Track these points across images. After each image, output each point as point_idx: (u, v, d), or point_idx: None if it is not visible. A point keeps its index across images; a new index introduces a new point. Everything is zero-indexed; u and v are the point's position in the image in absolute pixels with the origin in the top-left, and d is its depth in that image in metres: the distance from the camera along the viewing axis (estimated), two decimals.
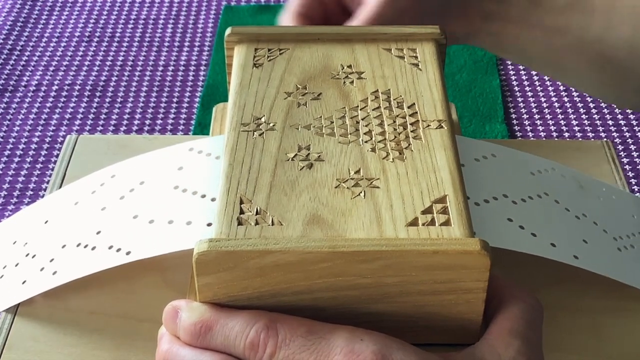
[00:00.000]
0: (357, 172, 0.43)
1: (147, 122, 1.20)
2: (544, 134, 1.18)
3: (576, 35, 0.59)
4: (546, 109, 1.22)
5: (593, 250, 0.46)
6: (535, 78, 1.28)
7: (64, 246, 0.46)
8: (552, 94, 1.25)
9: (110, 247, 0.45)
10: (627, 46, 0.58)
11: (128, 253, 0.44)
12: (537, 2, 0.59)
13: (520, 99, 1.25)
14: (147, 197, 0.47)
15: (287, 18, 0.57)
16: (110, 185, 0.49)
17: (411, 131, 0.45)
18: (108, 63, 1.32)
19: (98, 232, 0.46)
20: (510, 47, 0.62)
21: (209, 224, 0.43)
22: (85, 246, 0.46)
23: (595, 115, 1.21)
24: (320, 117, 0.47)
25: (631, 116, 1.21)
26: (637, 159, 1.14)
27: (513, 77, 1.29)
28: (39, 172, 1.11)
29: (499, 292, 0.42)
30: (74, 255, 0.46)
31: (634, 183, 1.10)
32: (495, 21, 0.60)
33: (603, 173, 0.57)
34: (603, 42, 0.59)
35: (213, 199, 0.44)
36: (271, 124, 0.46)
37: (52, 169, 1.09)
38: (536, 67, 0.67)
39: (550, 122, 1.20)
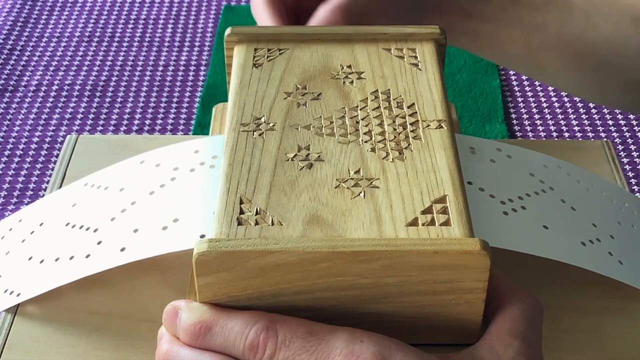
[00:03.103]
0: (357, 172, 0.43)
1: (147, 122, 1.20)
2: (544, 134, 1.18)
3: (555, 32, 0.59)
4: (546, 109, 1.22)
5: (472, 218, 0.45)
6: None
7: None
8: (552, 94, 1.25)
9: (5, 291, 0.47)
10: (607, 43, 0.57)
11: (18, 295, 0.46)
12: (515, 0, 0.59)
13: (520, 99, 1.25)
14: (43, 238, 0.49)
15: (259, 7, 0.56)
16: (17, 229, 0.51)
17: (411, 131, 0.45)
18: (108, 63, 1.32)
19: None
20: (488, 46, 0.61)
21: (88, 256, 0.45)
22: None
23: (595, 115, 1.21)
24: (320, 117, 0.47)
25: (631, 116, 1.21)
26: (637, 159, 1.14)
27: (513, 77, 1.29)
28: (39, 172, 1.11)
29: (499, 292, 0.42)
30: None
31: (634, 183, 1.10)
32: (472, 20, 0.59)
33: (603, 173, 0.57)
34: (582, 40, 0.58)
35: (95, 230, 0.46)
36: (271, 124, 0.46)
37: (52, 169, 1.09)
38: (514, 67, 0.66)
39: (550, 122, 1.20)
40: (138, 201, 0.47)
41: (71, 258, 0.46)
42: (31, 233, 0.50)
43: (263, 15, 0.55)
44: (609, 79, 0.60)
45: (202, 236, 0.43)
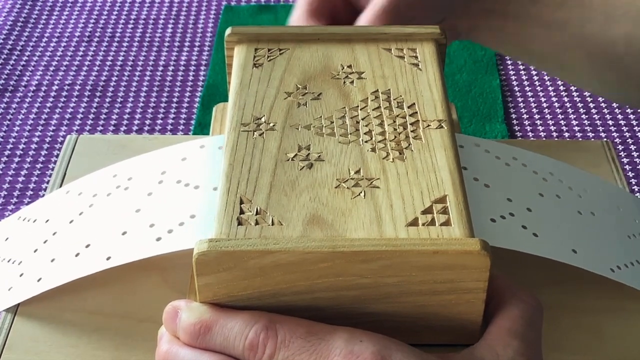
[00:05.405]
0: (357, 172, 0.43)
1: (147, 122, 1.20)
2: (544, 134, 1.18)
3: (575, 30, 0.59)
4: (546, 109, 1.22)
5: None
6: (536, 78, 1.28)
7: None
8: (552, 94, 1.25)
9: None
10: (625, 42, 0.58)
11: None
12: None
13: (520, 99, 1.25)
14: None
15: (297, 17, 0.57)
16: None
17: (411, 131, 0.45)
18: (108, 63, 1.32)
19: None
20: (511, 43, 0.62)
21: (10, 288, 0.47)
22: None
23: (595, 115, 1.21)
24: (320, 117, 0.47)
25: (631, 116, 1.21)
26: (637, 159, 1.14)
27: (513, 77, 1.29)
28: (39, 172, 1.11)
29: (499, 292, 0.42)
30: None
31: (634, 183, 1.10)
32: (495, 17, 0.60)
33: (603, 173, 0.57)
34: (602, 38, 0.59)
35: (20, 263, 0.48)
36: (271, 124, 0.46)
37: (52, 169, 1.09)
38: (537, 64, 0.67)
39: (550, 122, 1.20)
40: (59, 231, 0.48)
41: (10, 289, 0.47)
42: None
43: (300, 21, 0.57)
44: (629, 77, 0.60)
45: (109, 258, 0.44)
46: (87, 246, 0.45)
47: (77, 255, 0.45)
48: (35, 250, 0.48)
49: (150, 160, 0.50)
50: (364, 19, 0.56)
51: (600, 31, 0.59)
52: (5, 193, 1.08)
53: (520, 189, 0.48)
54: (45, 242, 0.48)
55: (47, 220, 0.50)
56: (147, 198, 0.47)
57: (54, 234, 0.48)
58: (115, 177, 0.50)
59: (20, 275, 0.47)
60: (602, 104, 1.23)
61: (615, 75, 0.61)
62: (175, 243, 0.43)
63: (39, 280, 0.46)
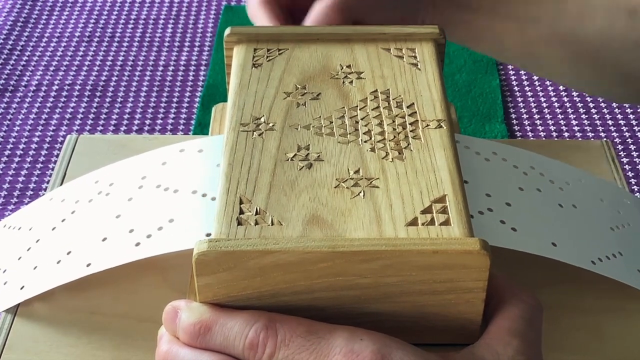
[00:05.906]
0: (357, 172, 0.43)
1: (147, 122, 1.20)
2: (544, 134, 1.18)
3: (549, 25, 0.59)
4: (546, 109, 1.22)
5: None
6: (535, 78, 1.29)
7: None
8: (551, 94, 1.25)
9: None
10: (601, 37, 0.58)
11: None
12: None
13: (520, 99, 1.25)
14: None
15: (254, 7, 0.56)
16: None
17: (410, 131, 0.45)
18: (108, 63, 1.32)
19: None
20: (484, 38, 0.61)
21: None
22: None
23: (595, 115, 1.21)
24: (320, 117, 0.47)
25: (631, 116, 1.21)
26: (636, 159, 1.14)
27: (513, 77, 1.29)
28: (39, 172, 1.11)
29: (499, 292, 0.42)
30: None
31: (633, 183, 1.10)
32: (466, 11, 0.60)
33: (603, 173, 0.57)
34: (576, 33, 0.58)
35: (4, 271, 0.48)
36: (270, 124, 0.46)
37: (52, 169, 1.09)
38: (511, 60, 0.66)
39: (550, 122, 1.20)
40: (41, 238, 0.48)
41: None
42: None
43: (258, 15, 0.56)
44: (604, 71, 0.60)
45: (89, 265, 0.44)
46: (69, 253, 0.46)
47: (58, 262, 0.46)
48: (19, 258, 0.48)
49: (131, 166, 0.50)
50: (312, 15, 0.55)
51: (575, 27, 0.58)
52: (6, 193, 1.08)
53: (500, 184, 0.48)
54: (28, 249, 0.48)
55: (31, 228, 0.50)
56: (127, 203, 0.47)
57: (37, 241, 0.48)
58: (97, 183, 0.50)
59: (5, 283, 0.47)
60: (602, 104, 1.23)
61: (589, 69, 0.60)
62: (153, 248, 0.43)
63: (21, 288, 0.46)
